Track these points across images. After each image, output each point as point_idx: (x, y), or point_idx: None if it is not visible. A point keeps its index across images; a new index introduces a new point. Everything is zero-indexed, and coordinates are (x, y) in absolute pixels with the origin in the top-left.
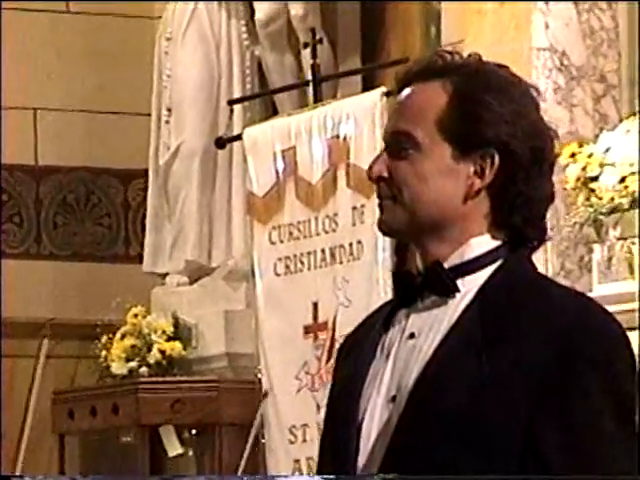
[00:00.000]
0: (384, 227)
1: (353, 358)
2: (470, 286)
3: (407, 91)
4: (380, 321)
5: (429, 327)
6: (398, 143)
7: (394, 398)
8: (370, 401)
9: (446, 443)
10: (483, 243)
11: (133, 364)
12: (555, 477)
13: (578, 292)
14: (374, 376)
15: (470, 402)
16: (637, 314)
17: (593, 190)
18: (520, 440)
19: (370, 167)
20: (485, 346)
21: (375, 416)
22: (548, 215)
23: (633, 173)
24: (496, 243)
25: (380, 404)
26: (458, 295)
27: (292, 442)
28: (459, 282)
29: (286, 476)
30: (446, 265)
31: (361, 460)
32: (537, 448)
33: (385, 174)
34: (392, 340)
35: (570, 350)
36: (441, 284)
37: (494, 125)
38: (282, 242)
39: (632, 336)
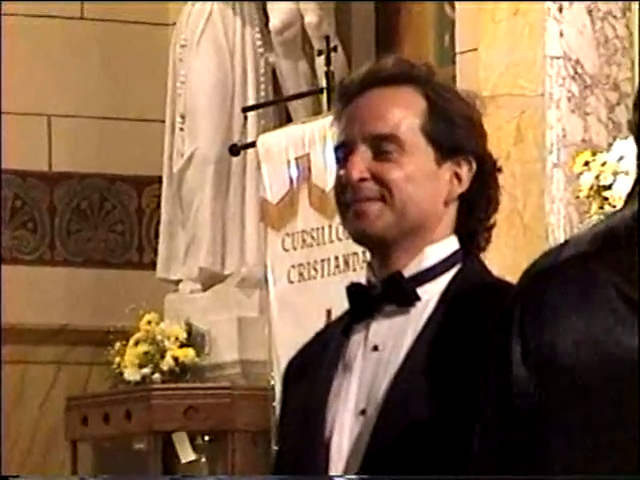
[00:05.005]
0: (368, 230)
1: (311, 376)
2: (431, 293)
3: (376, 94)
4: (336, 337)
5: (393, 338)
6: (380, 146)
7: (364, 412)
8: (337, 416)
9: (421, 452)
10: (440, 250)
11: (146, 370)
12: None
13: None
14: (337, 391)
15: (444, 410)
16: None
17: (606, 198)
18: None
19: (349, 169)
20: (455, 352)
21: (344, 431)
22: (562, 222)
23: None
24: (452, 249)
25: (349, 418)
26: (419, 304)
27: None
28: (419, 290)
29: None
30: (405, 274)
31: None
32: None
33: (367, 175)
34: (353, 354)
35: None
36: (402, 294)
37: (469, 132)
38: (295, 249)
39: None
